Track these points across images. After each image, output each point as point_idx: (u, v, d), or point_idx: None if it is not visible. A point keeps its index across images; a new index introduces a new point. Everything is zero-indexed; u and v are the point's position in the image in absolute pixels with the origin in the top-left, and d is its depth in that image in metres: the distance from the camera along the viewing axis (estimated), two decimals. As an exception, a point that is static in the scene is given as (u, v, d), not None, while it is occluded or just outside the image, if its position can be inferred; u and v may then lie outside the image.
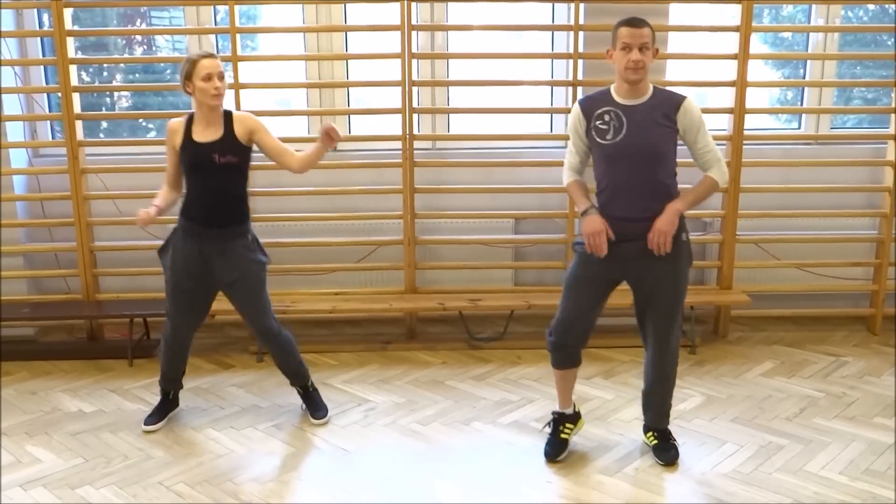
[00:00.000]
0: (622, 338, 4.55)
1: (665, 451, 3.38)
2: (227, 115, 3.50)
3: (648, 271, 3.17)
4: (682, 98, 3.12)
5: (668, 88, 3.21)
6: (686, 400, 3.96)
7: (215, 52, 4.73)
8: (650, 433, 3.47)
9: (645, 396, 3.45)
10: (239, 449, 3.53)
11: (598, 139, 3.12)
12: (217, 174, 3.45)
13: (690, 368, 4.35)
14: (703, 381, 4.20)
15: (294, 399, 3.92)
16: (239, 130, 3.47)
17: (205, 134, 3.45)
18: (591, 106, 3.15)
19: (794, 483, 3.19)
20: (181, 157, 3.50)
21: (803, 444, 3.50)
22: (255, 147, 3.56)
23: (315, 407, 3.83)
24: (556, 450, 3.41)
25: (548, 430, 3.50)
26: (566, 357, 3.39)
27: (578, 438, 3.56)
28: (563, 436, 3.46)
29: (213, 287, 3.64)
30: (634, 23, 3.02)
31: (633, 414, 3.79)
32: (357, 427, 3.74)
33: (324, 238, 4.81)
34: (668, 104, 3.10)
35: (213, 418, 3.83)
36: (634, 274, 3.22)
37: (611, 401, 3.97)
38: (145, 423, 3.73)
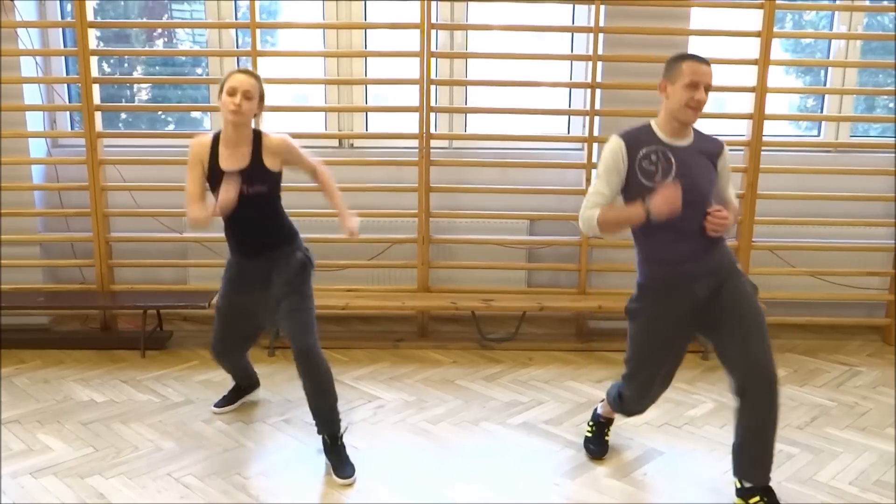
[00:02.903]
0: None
1: None
2: (257, 138, 3.27)
3: (724, 300, 2.92)
4: (722, 143, 3.00)
5: (702, 131, 3.03)
6: (697, 406, 3.94)
7: (235, 46, 4.79)
8: (756, 497, 2.90)
9: (746, 448, 2.91)
10: (248, 443, 3.54)
11: (643, 180, 2.87)
12: (247, 204, 3.23)
13: (702, 374, 4.33)
14: (715, 388, 4.17)
15: (303, 394, 3.91)
16: (268, 158, 3.26)
17: (231, 159, 3.23)
18: (635, 143, 2.90)
19: (804, 492, 3.16)
20: (207, 183, 3.31)
21: (814, 454, 3.48)
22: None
23: (342, 462, 3.31)
24: (604, 449, 3.45)
25: (587, 431, 3.54)
26: None
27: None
28: (607, 438, 3.50)
29: (263, 316, 3.46)
30: (701, 60, 2.83)
31: (643, 418, 3.76)
32: (366, 424, 3.74)
33: (338, 234, 4.80)
34: (711, 147, 2.96)
35: (224, 410, 3.83)
36: (711, 313, 2.94)
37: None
38: (215, 406, 3.81)
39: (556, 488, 3.20)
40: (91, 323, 5.01)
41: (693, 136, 2.95)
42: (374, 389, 4.13)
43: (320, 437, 3.35)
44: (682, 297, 2.94)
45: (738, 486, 2.96)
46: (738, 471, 2.95)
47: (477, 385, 4.21)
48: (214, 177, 3.25)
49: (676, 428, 3.71)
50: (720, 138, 3.02)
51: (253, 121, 3.28)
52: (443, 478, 3.26)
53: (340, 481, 3.23)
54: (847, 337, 4.93)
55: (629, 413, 3.37)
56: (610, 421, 3.52)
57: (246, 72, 3.21)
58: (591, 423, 3.54)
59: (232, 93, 3.13)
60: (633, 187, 2.91)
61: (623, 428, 3.69)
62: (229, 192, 3.13)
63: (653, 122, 2.95)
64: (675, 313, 2.98)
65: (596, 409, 3.54)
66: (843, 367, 4.51)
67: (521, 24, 4.61)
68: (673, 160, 2.87)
